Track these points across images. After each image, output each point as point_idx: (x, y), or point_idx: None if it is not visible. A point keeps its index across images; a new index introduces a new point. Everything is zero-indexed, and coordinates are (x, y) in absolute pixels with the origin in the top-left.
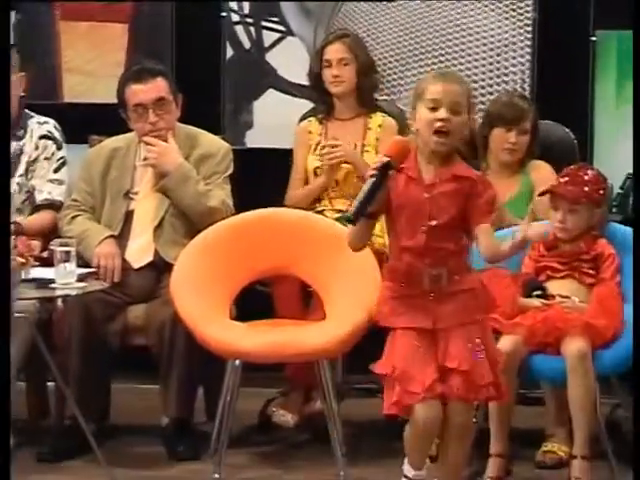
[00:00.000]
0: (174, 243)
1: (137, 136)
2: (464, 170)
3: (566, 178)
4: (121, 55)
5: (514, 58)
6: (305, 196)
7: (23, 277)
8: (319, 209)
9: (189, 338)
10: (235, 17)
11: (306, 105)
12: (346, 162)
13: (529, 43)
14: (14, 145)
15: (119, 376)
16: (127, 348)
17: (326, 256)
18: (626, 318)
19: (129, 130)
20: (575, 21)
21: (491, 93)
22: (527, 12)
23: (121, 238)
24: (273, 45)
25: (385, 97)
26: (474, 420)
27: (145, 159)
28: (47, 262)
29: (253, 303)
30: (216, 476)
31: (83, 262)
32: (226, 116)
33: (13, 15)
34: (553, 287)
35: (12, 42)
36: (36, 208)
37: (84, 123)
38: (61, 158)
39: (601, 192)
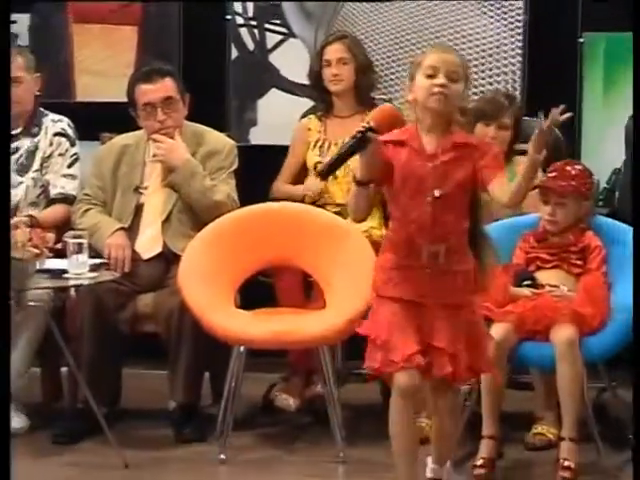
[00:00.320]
0: (181, 235)
1: (146, 133)
2: (464, 137)
3: (554, 173)
4: (131, 56)
5: (505, 59)
6: (289, 195)
7: (38, 268)
8: (320, 203)
9: (196, 325)
10: (239, 20)
11: (308, 104)
12: None
13: (520, 44)
14: (29, 142)
15: (129, 362)
16: (137, 335)
17: (326, 248)
18: (612, 306)
19: (139, 128)
20: (563, 23)
21: (483, 92)
22: (518, 15)
23: (131, 230)
24: (276, 46)
25: (382, 96)
26: (467, 403)
27: (154, 155)
28: (61, 253)
29: (257, 293)
30: (221, 457)
31: (95, 253)
32: (231, 114)
33: (28, 18)
34: (542, 277)
35: (27, 44)
36: (50, 202)
37: (96, 121)
38: (74, 154)
39: (588, 186)
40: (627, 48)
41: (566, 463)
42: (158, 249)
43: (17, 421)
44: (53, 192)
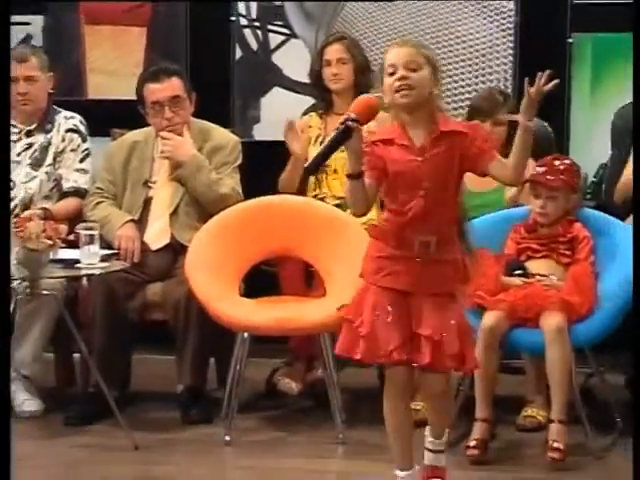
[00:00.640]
0: (188, 227)
1: (154, 130)
2: (450, 124)
3: (544, 168)
4: (140, 56)
5: (497, 58)
6: (288, 178)
7: (51, 258)
8: (320, 196)
9: (202, 313)
10: (243, 21)
11: (308, 101)
12: None
13: (511, 45)
14: (43, 138)
15: (139, 348)
16: (146, 322)
17: (326, 239)
18: (599, 295)
19: (147, 125)
20: (553, 25)
21: (476, 90)
22: (510, 16)
23: (140, 222)
24: (278, 47)
25: (380, 93)
26: (461, 388)
27: (162, 151)
28: (73, 244)
29: (260, 282)
30: (227, 438)
31: (106, 244)
32: (235, 111)
33: (42, 19)
34: (533, 267)
35: (41, 44)
36: (63, 195)
37: (106, 118)
38: (86, 150)
39: (576, 179)
40: (614, 49)
41: (555, 444)
42: (166, 240)
43: (32, 404)
44: (66, 186)
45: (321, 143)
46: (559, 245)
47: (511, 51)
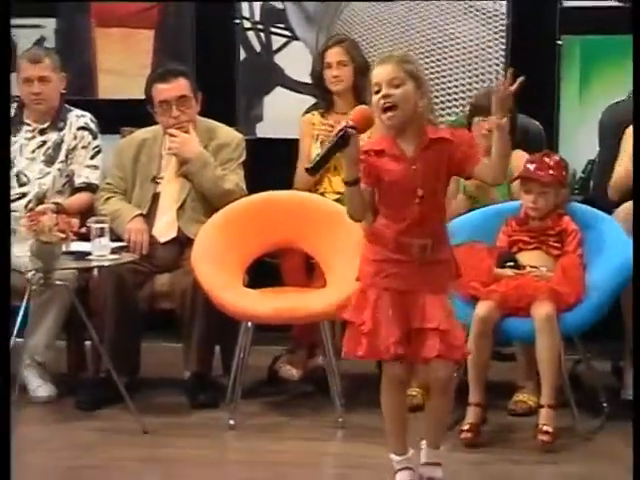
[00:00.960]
0: (195, 221)
1: (162, 128)
2: (436, 132)
3: (534, 164)
4: (148, 58)
5: (490, 59)
6: (308, 180)
7: (64, 250)
8: (320, 191)
9: (208, 303)
10: (247, 24)
11: (309, 100)
12: None
13: (503, 47)
14: (56, 135)
15: (147, 336)
16: (154, 311)
17: (326, 232)
18: (587, 285)
19: (155, 123)
20: (543, 27)
21: (470, 90)
22: (501, 19)
23: (149, 216)
24: (280, 48)
25: None
26: (455, 374)
27: (169, 148)
28: (85, 237)
29: (263, 273)
30: (231, 422)
31: (116, 237)
32: (240, 110)
33: (55, 22)
34: (524, 258)
35: (54, 46)
36: (75, 190)
37: (116, 117)
38: (96, 147)
39: (564, 175)
40: (601, 51)
41: (545, 428)
42: (173, 233)
43: (45, 389)
44: (77, 181)
45: (322, 142)
46: (549, 238)
47: (502, 52)
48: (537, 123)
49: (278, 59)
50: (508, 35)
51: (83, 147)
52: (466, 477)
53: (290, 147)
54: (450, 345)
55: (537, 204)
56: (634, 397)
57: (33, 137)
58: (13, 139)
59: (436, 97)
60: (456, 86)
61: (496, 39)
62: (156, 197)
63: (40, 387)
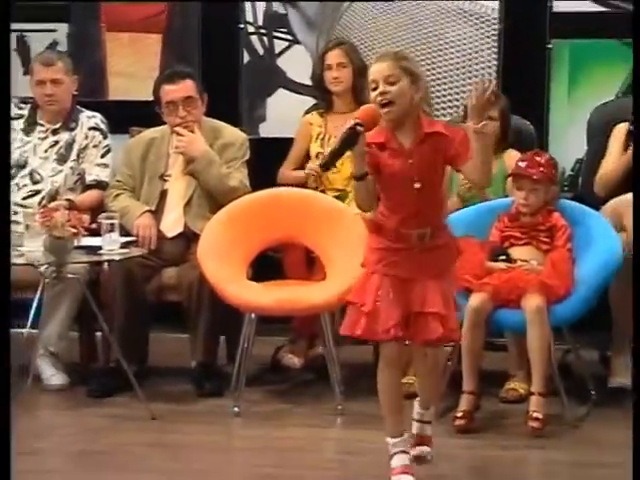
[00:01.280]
0: (201, 217)
1: (169, 128)
2: (432, 126)
3: (525, 162)
4: (156, 61)
5: (483, 62)
6: (292, 179)
7: (75, 245)
8: (321, 188)
9: (213, 295)
10: (251, 28)
11: (310, 101)
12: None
13: (495, 50)
14: (67, 135)
15: (155, 327)
16: (162, 303)
17: (327, 227)
18: (575, 278)
19: (163, 123)
20: (534, 32)
21: (464, 92)
22: (494, 24)
23: (157, 213)
24: (282, 52)
25: None
26: (449, 363)
27: (176, 147)
28: (95, 232)
29: (266, 267)
30: (236, 409)
31: (125, 232)
32: (243, 111)
33: (67, 27)
34: (515, 253)
35: (66, 50)
36: (86, 187)
37: (125, 117)
38: (106, 146)
39: (554, 172)
40: (589, 54)
41: (535, 414)
42: (180, 229)
43: (58, 378)
44: (88, 179)
45: (322, 140)
46: (539, 233)
47: (495, 56)
48: (528, 123)
49: (280, 62)
50: (500, 39)
51: (94, 146)
52: (460, 461)
53: (291, 146)
54: (450, 329)
55: (528, 200)
56: (634, 395)
57: (46, 137)
58: (27, 139)
59: (431, 98)
60: (451, 88)
61: (489, 43)
62: (164, 194)
63: (53, 376)
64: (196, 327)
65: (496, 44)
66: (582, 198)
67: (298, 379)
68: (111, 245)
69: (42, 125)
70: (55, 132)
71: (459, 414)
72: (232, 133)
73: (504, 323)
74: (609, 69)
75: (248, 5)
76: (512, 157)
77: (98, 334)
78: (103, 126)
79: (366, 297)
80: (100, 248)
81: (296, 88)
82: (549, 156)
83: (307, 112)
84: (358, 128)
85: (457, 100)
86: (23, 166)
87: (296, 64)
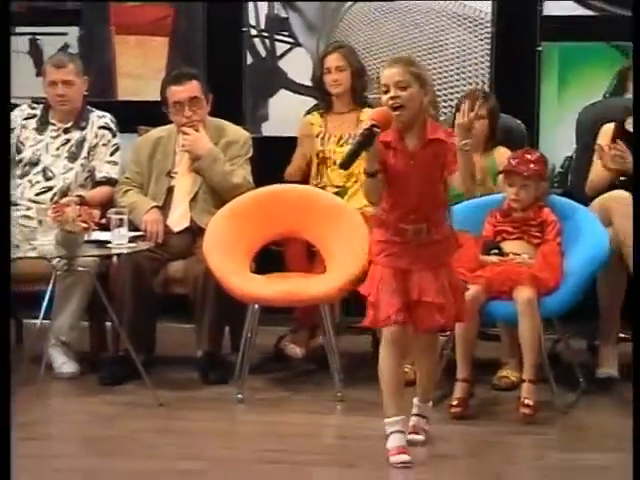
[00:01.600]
0: (206, 212)
1: (176, 127)
2: (435, 132)
3: (517, 160)
4: (163, 62)
5: (476, 64)
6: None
7: (86, 239)
8: (321, 185)
9: (218, 287)
10: (254, 31)
11: (310, 102)
12: None
13: (488, 52)
14: (78, 134)
15: (162, 317)
16: (169, 295)
17: (327, 222)
18: (565, 271)
19: (170, 122)
20: (525, 35)
21: (457, 92)
22: (487, 27)
23: (164, 208)
24: (284, 54)
25: (374, 95)
26: (444, 352)
27: (182, 145)
28: (105, 227)
29: (269, 260)
30: (239, 397)
31: (134, 227)
32: (247, 111)
33: (78, 30)
34: (507, 247)
35: (77, 52)
36: (96, 184)
37: (134, 116)
38: (116, 144)
39: (544, 169)
40: (578, 56)
41: (526, 401)
42: (186, 224)
43: (69, 366)
44: (98, 176)
45: (322, 139)
46: (530, 228)
47: (488, 58)
48: (519, 122)
49: (282, 64)
50: (493, 42)
51: (104, 145)
52: (454, 446)
53: (293, 144)
54: (448, 316)
55: (519, 196)
56: (634, 394)
57: (58, 136)
58: (40, 137)
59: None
60: (445, 88)
61: (482, 45)
62: (170, 190)
63: (65, 364)
64: (201, 318)
65: (489, 46)
66: (571, 194)
67: (299, 368)
68: (120, 239)
69: (54, 124)
70: (66, 131)
71: (454, 402)
72: (236, 132)
73: (497, 314)
74: (597, 71)
75: (251, 9)
76: (502, 154)
77: (108, 324)
78: (112, 125)
79: (372, 289)
80: (109, 242)
81: (297, 89)
82: (539, 153)
83: (308, 112)
84: (375, 129)
85: (451, 100)
86: (36, 164)
87: (297, 66)
